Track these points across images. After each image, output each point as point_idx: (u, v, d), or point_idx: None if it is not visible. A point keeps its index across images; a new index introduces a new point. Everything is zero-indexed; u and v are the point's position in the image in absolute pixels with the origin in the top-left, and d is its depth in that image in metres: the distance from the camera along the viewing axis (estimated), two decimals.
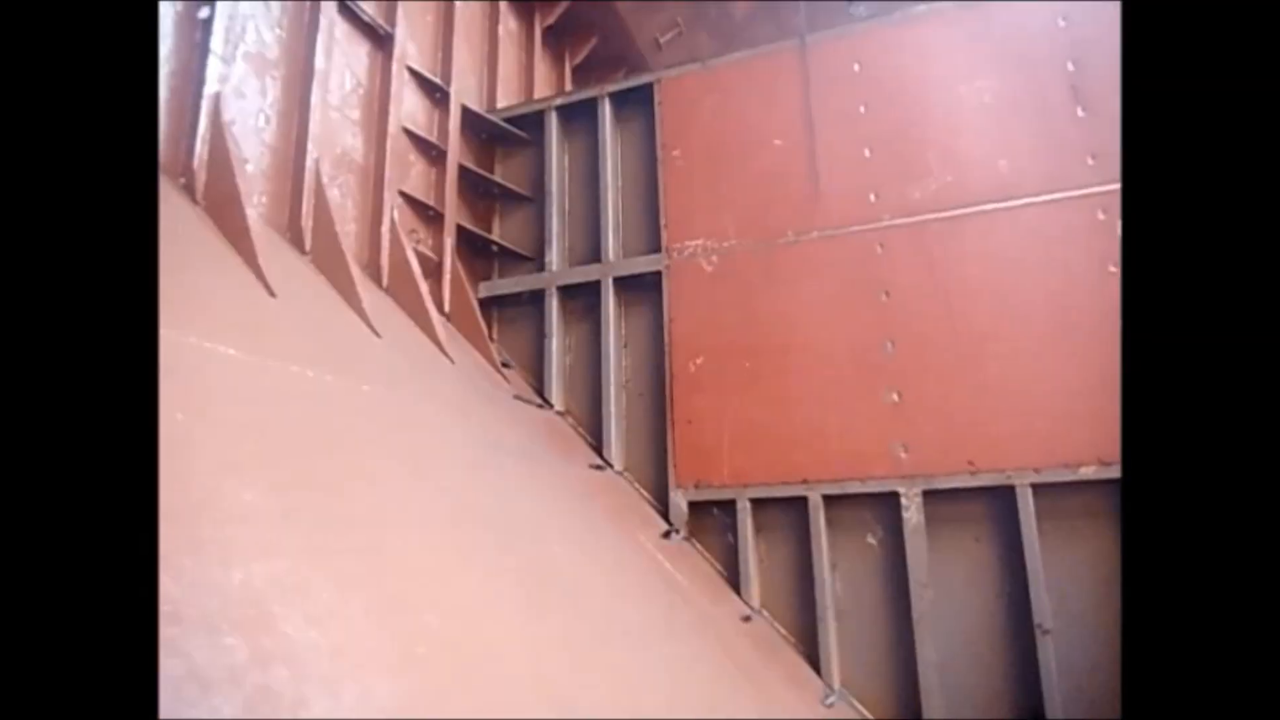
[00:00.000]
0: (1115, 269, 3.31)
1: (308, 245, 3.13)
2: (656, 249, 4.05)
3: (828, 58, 3.94)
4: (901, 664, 3.26)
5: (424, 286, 3.58)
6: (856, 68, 3.89)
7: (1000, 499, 3.29)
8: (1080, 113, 3.53)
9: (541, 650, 1.98)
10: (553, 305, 4.20)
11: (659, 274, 3.99)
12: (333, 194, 3.30)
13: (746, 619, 3.32)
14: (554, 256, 4.28)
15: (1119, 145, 3.28)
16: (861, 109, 3.85)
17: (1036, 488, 3.22)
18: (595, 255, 4.21)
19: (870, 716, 3.26)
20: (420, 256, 3.77)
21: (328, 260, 3.11)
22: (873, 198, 3.72)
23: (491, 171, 4.54)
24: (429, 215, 4.02)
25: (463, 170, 4.21)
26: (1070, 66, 3.59)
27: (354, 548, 1.81)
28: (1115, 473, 3.13)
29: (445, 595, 1.94)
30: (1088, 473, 3.17)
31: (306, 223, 3.15)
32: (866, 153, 3.78)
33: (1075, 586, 3.18)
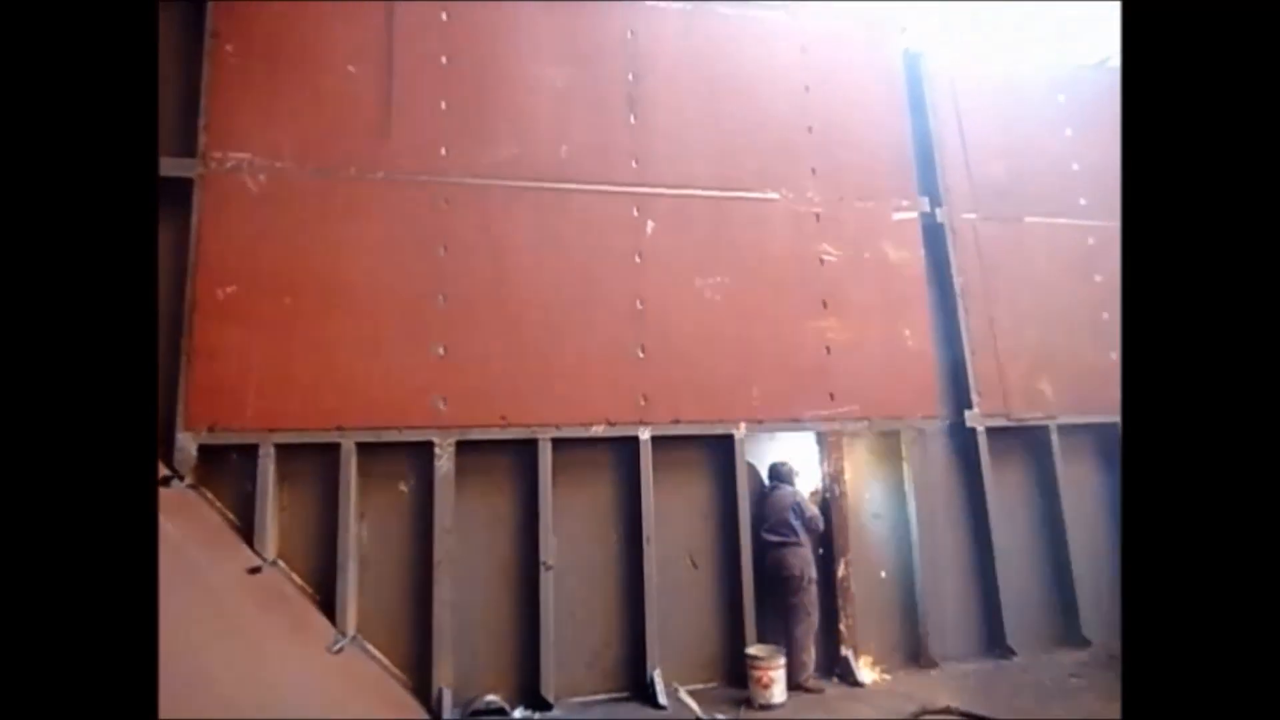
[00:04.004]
0: (640, 259, 3.89)
1: None
2: (190, 153, 3.45)
3: None
4: (418, 605, 3.39)
5: None
6: (444, 16, 3.84)
7: (525, 451, 3.62)
8: (632, 119, 4.04)
9: None
10: None
11: (190, 181, 3.41)
12: None
13: (255, 570, 3.08)
14: None
15: (655, 151, 3.91)
16: (444, 59, 3.81)
17: (556, 442, 3.64)
18: None
19: (382, 657, 3.32)
20: None
21: None
22: (443, 151, 3.73)
23: None
24: None
25: None
26: (630, 77, 4.08)
27: None
28: (618, 431, 3.71)
29: None
30: (598, 430, 3.69)
31: None
32: (443, 105, 3.77)
33: (577, 527, 3.69)
